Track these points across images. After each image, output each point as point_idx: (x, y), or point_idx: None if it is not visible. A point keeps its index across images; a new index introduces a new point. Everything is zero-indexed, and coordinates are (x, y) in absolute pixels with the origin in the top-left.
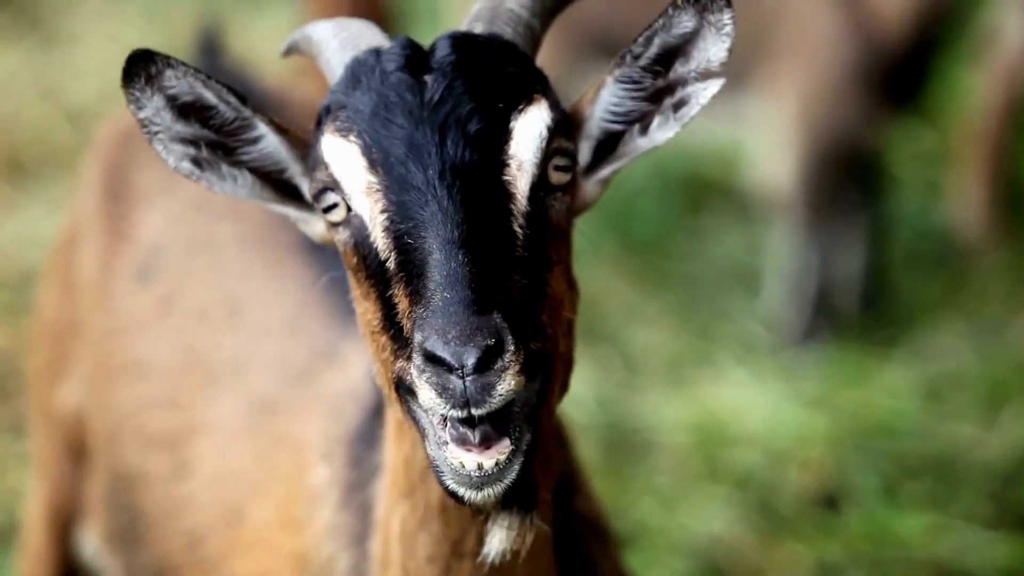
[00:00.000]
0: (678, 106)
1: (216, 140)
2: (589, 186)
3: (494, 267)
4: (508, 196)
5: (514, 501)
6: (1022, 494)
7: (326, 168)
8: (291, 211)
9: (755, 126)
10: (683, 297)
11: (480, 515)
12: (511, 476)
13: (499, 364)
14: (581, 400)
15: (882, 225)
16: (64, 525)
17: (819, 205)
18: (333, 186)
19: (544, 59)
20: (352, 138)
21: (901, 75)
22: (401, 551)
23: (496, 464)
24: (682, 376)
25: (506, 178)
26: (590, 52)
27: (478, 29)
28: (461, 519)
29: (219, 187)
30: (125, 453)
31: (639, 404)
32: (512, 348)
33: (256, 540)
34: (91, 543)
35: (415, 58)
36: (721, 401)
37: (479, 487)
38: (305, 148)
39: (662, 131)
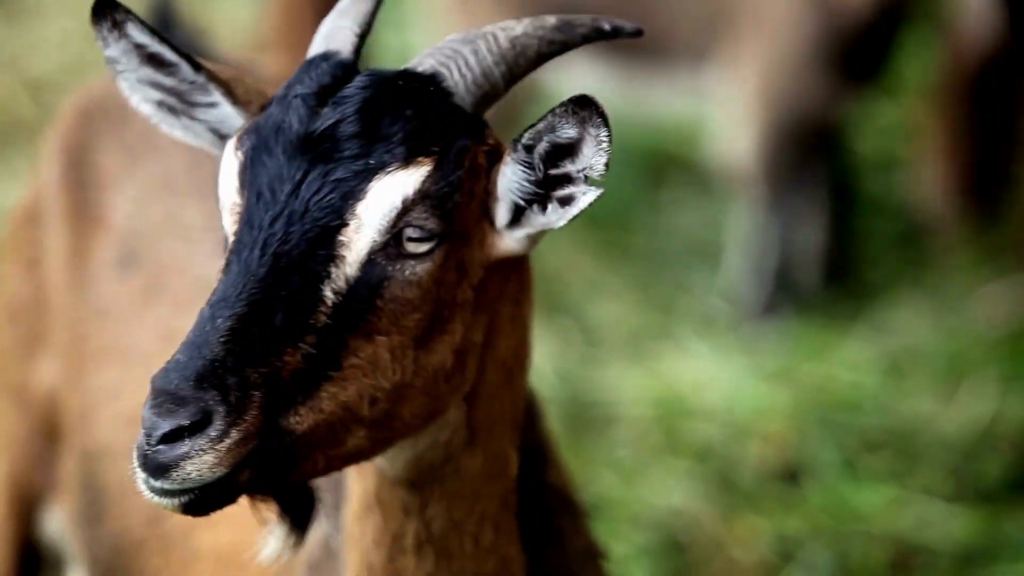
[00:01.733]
0: (564, 201)
1: (178, 89)
2: (508, 240)
3: (261, 341)
4: (334, 258)
5: (289, 514)
6: (981, 468)
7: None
8: None
9: (716, 100)
10: (644, 271)
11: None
12: (186, 497)
13: (185, 449)
14: (542, 373)
15: (844, 200)
16: (27, 503)
17: (780, 180)
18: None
19: None
20: (239, 153)
21: (863, 49)
22: (356, 530)
23: (169, 486)
24: (643, 350)
25: (341, 238)
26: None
27: (426, 64)
28: (396, 514)
29: (179, 133)
30: (96, 431)
31: (600, 377)
32: (214, 435)
33: (221, 513)
34: (57, 523)
35: (333, 87)
36: (682, 375)
37: (156, 495)
38: None
39: (555, 217)
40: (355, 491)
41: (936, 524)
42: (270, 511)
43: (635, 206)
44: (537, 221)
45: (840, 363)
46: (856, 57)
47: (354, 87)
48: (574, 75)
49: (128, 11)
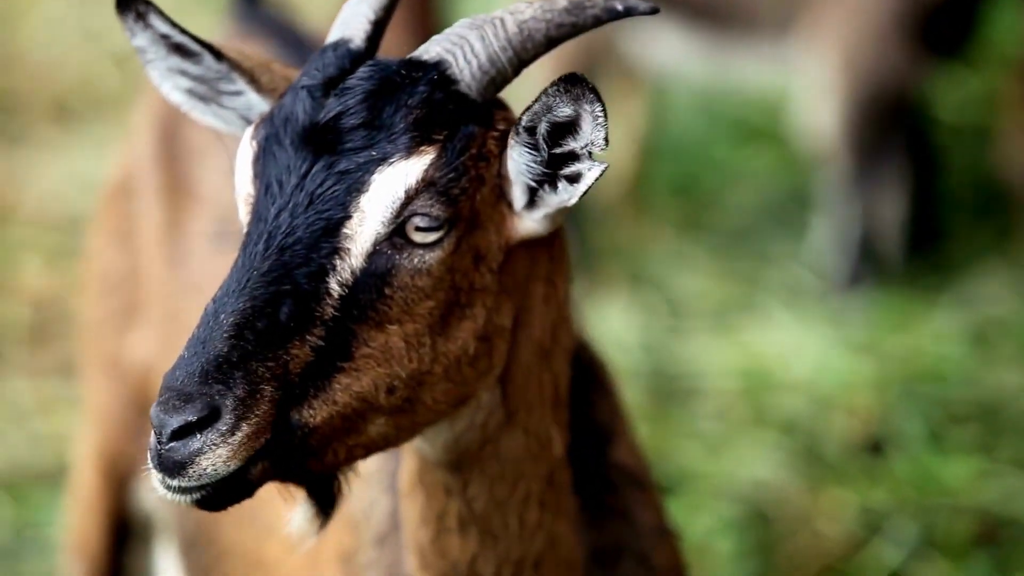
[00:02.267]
0: (571, 179)
1: (206, 78)
2: (528, 222)
3: (266, 335)
4: (339, 251)
5: (315, 499)
6: None
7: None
8: None
9: (800, 71)
10: (729, 242)
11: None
12: (200, 493)
13: (197, 444)
14: (627, 345)
15: (928, 170)
16: (119, 474)
17: (863, 151)
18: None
19: None
20: (254, 142)
21: (946, 20)
22: (406, 508)
23: (185, 483)
24: (728, 321)
25: (345, 231)
26: None
27: (432, 50)
28: (438, 494)
29: (210, 120)
30: None
31: (685, 349)
32: (223, 428)
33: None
34: (148, 495)
35: (339, 77)
36: (767, 346)
37: (173, 492)
38: None
39: (567, 195)
40: (404, 470)
41: (1022, 496)
42: (298, 491)
43: (720, 177)
44: (551, 200)
45: (926, 334)
46: (940, 28)
47: (357, 78)
48: (658, 44)
49: (148, 2)
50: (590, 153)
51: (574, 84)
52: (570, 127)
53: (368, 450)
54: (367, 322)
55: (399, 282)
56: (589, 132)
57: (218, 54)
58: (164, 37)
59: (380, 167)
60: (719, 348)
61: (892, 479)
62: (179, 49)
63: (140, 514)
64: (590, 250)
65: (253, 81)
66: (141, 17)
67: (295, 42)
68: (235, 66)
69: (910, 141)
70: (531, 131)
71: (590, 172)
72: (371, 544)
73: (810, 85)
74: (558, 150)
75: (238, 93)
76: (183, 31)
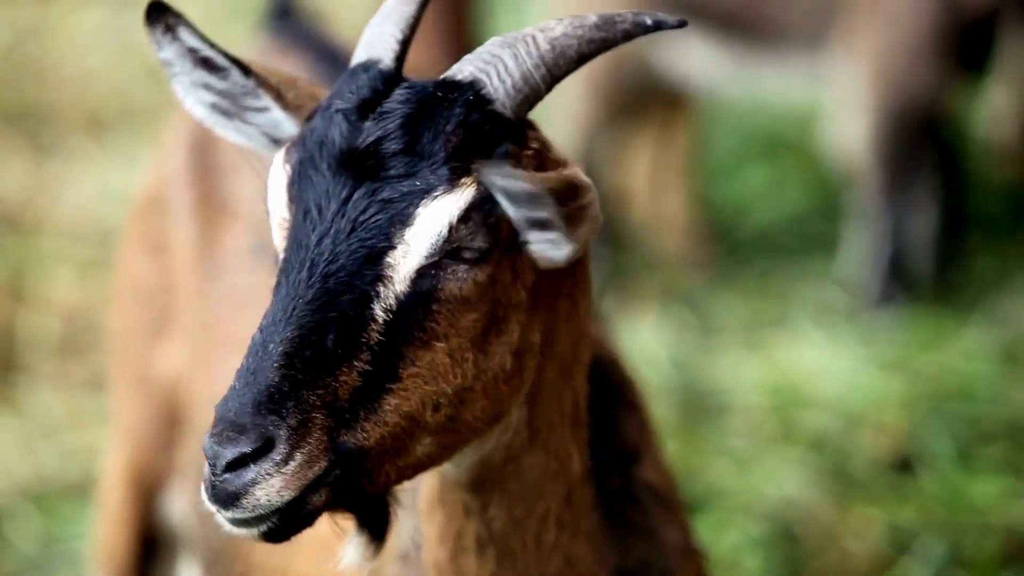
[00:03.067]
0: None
1: (231, 93)
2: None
3: (315, 363)
4: (382, 278)
5: (367, 525)
6: None
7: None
8: None
9: (831, 86)
10: (760, 259)
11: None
12: (265, 525)
13: (251, 475)
14: (657, 361)
15: (958, 187)
16: (148, 487)
17: (895, 167)
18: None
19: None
20: (287, 167)
21: (980, 38)
22: (425, 527)
23: (239, 515)
24: (758, 338)
25: (389, 260)
26: (664, 10)
27: (466, 70)
28: (457, 514)
29: (232, 136)
30: None
31: (715, 366)
32: (278, 459)
33: None
34: (179, 507)
35: (373, 99)
36: (797, 363)
37: (234, 525)
38: None
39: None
40: (423, 489)
41: None
42: (348, 521)
43: (751, 192)
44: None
45: (955, 352)
46: (973, 45)
47: (395, 101)
48: (690, 57)
49: (179, 15)
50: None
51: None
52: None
53: (415, 470)
54: (414, 342)
55: (445, 295)
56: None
57: (246, 69)
58: (191, 51)
59: (424, 200)
60: (749, 365)
61: (920, 497)
62: (206, 63)
63: (167, 528)
64: (621, 266)
65: (280, 98)
66: (170, 29)
67: (329, 55)
68: (262, 82)
69: (940, 157)
70: None
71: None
72: (394, 561)
73: (841, 100)
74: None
75: (263, 109)
76: (212, 45)
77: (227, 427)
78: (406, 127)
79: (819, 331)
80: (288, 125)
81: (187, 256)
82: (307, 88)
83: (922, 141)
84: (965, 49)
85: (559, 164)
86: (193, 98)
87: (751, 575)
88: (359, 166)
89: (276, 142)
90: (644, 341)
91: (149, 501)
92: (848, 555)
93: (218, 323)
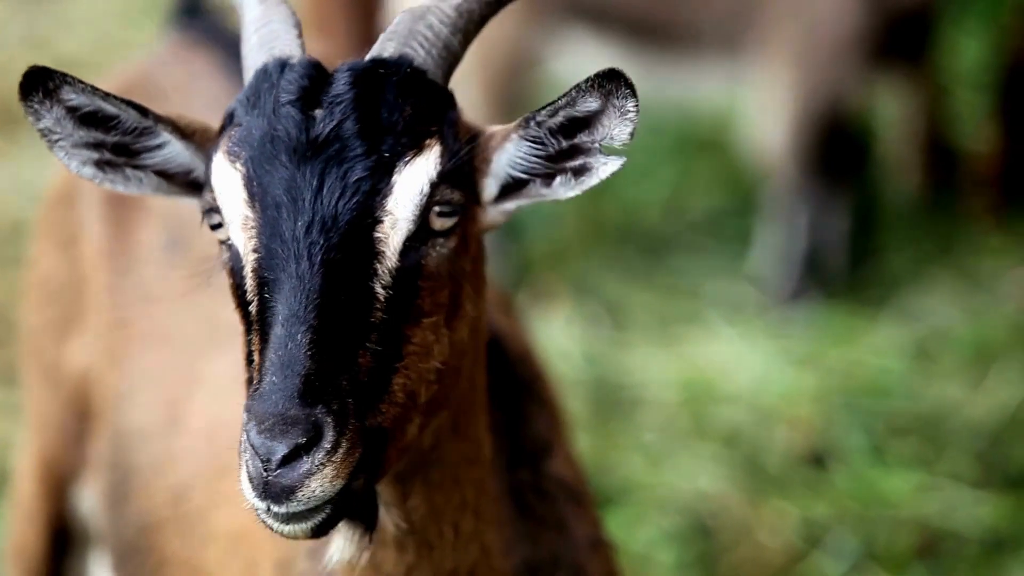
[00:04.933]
0: (578, 172)
1: (119, 143)
2: (493, 213)
3: (338, 348)
4: (376, 255)
5: (355, 517)
6: (1009, 454)
7: (212, 191)
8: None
9: (747, 86)
10: (671, 255)
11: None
12: (319, 517)
13: (307, 466)
14: (570, 356)
15: (871, 184)
16: (59, 481)
17: (810, 165)
18: (217, 210)
19: (516, 20)
20: (238, 166)
21: (904, 39)
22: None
23: (294, 508)
24: (671, 333)
25: (378, 235)
26: (567, 13)
27: (390, 48)
28: None
29: (123, 188)
30: (133, 413)
31: (627, 361)
32: (328, 447)
33: (238, 492)
34: (89, 501)
35: (312, 89)
36: (709, 359)
37: (284, 522)
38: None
39: (564, 189)
40: None
41: (963, 510)
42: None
43: (663, 190)
44: (538, 192)
45: (868, 348)
46: (908, 38)
47: (340, 86)
48: (591, 61)
49: (64, 75)
50: (601, 148)
51: (610, 79)
52: (586, 122)
53: (402, 454)
54: (409, 319)
55: (428, 271)
56: (611, 126)
57: (142, 109)
58: (72, 111)
59: (397, 167)
60: (662, 360)
61: (833, 492)
62: (89, 118)
63: (79, 522)
64: (533, 261)
65: (176, 129)
66: (49, 95)
67: (239, 51)
68: (158, 118)
69: (854, 154)
70: (541, 124)
71: (604, 166)
72: (305, 556)
73: (757, 100)
74: (568, 143)
75: (160, 146)
76: (104, 95)
77: (277, 421)
78: (360, 108)
79: (731, 327)
80: (185, 155)
81: (98, 251)
82: (189, 117)
83: (838, 140)
84: (899, 42)
85: (471, 129)
86: (77, 161)
87: (665, 569)
88: (323, 153)
89: (169, 178)
90: (557, 336)
91: (60, 495)
92: (761, 549)
93: (129, 318)
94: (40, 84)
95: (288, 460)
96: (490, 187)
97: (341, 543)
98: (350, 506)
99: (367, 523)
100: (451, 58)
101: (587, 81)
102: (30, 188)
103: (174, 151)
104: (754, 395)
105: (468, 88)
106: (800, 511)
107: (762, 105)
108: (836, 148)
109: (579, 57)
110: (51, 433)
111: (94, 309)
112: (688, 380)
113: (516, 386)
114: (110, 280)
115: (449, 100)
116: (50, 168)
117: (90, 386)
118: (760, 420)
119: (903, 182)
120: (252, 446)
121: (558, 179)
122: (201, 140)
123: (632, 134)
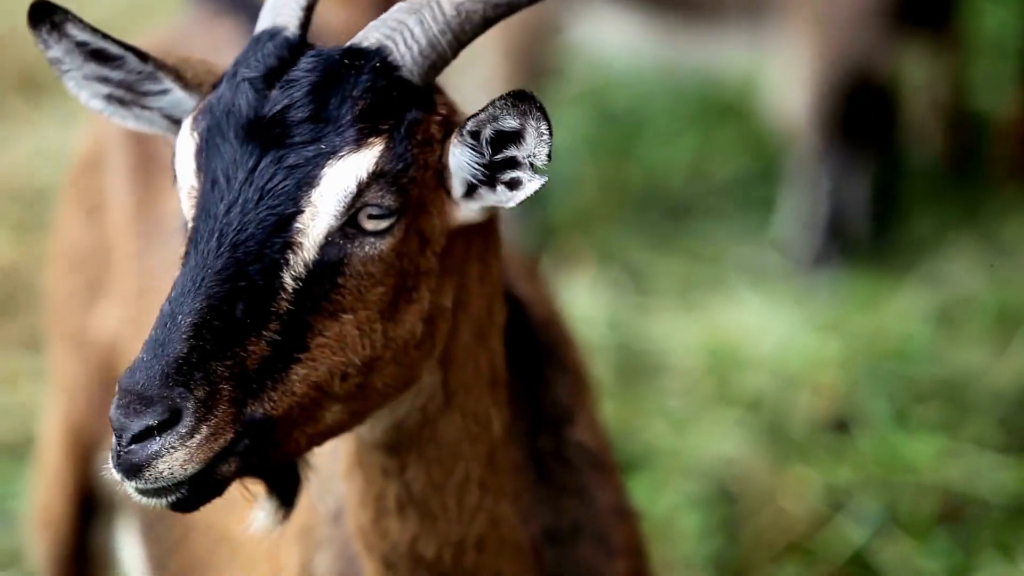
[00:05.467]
0: (511, 185)
1: (124, 81)
2: (466, 210)
3: (224, 334)
4: (291, 245)
5: (277, 491)
6: None
7: (173, 156)
8: None
9: (770, 52)
10: (696, 221)
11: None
12: (174, 496)
13: (155, 447)
14: (593, 321)
15: (896, 150)
16: (84, 448)
17: (833, 130)
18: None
19: None
20: (195, 135)
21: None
22: (346, 490)
23: (142, 485)
24: (695, 300)
25: (297, 225)
26: None
27: (372, 38)
28: (376, 477)
29: (134, 124)
30: None
31: (651, 327)
32: (183, 431)
33: None
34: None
35: (279, 68)
36: (733, 325)
37: (140, 495)
38: None
39: (504, 198)
40: (343, 452)
41: (986, 475)
42: (257, 487)
43: (687, 155)
44: (488, 199)
45: (891, 313)
46: (919, 13)
47: (301, 70)
48: (613, 29)
49: (66, 12)
50: (531, 164)
51: (522, 100)
52: (515, 136)
53: (324, 437)
54: (321, 312)
55: (352, 270)
56: (532, 145)
57: (142, 55)
58: (81, 45)
59: (330, 161)
60: (685, 325)
61: (856, 457)
62: (97, 55)
63: (105, 489)
64: (557, 226)
65: (179, 77)
66: (56, 27)
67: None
68: (160, 64)
69: (878, 119)
70: (475, 134)
71: (530, 183)
72: (327, 521)
73: (780, 65)
74: (499, 156)
75: (163, 92)
76: (104, 36)
77: (134, 399)
78: (312, 95)
79: (755, 292)
80: (189, 103)
81: (124, 218)
82: (202, 65)
83: (861, 104)
84: (923, 8)
85: (453, 125)
86: (87, 92)
87: (688, 534)
88: (266, 134)
89: (178, 123)
90: (580, 301)
91: (86, 462)
92: (785, 514)
93: (155, 286)
94: (46, 16)
95: (139, 438)
96: (455, 185)
97: (261, 515)
98: (218, 487)
99: (284, 498)
100: (435, 57)
101: (502, 99)
102: (54, 155)
103: (178, 98)
104: (778, 360)
105: (490, 56)
106: (823, 477)
107: (784, 70)
108: (858, 113)
109: (601, 24)
110: (77, 400)
111: (120, 277)
112: (712, 345)
113: (538, 352)
114: (137, 247)
115: (418, 99)
116: (74, 134)
117: (116, 354)
118: (784, 386)
119: (928, 147)
120: (110, 418)
121: (499, 188)
122: (207, 91)
123: (549, 155)
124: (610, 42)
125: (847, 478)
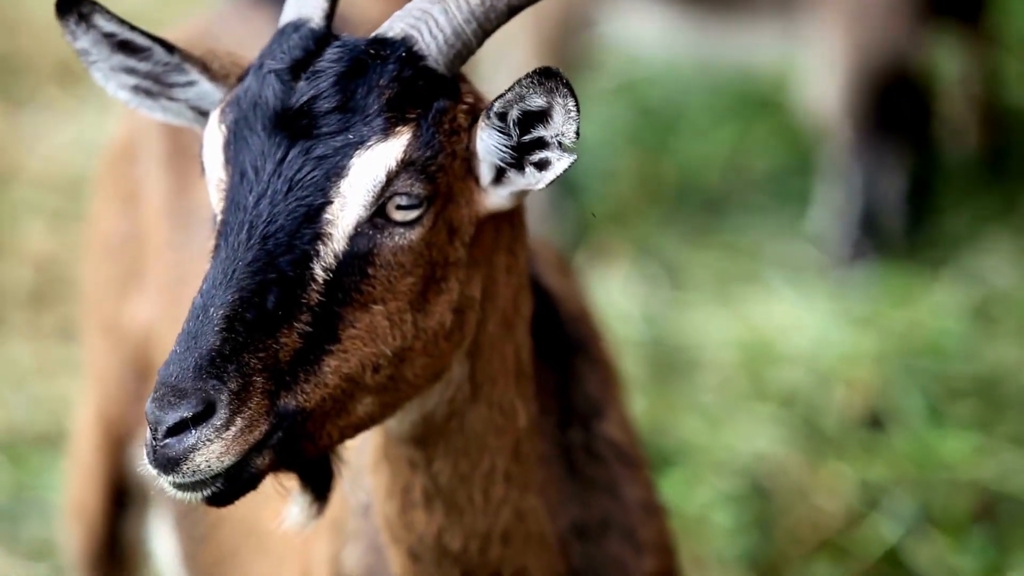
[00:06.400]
0: (540, 166)
1: (151, 73)
2: (495, 197)
3: (257, 326)
4: (321, 236)
5: (310, 485)
6: None
7: (201, 148)
8: None
9: (803, 44)
10: (731, 215)
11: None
12: (210, 489)
13: (191, 440)
14: (628, 316)
15: (931, 143)
16: (118, 439)
17: (867, 124)
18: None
19: None
20: (223, 127)
21: None
22: (373, 482)
23: (179, 480)
24: (729, 294)
25: (327, 216)
26: None
27: (396, 28)
28: (403, 469)
29: (161, 116)
30: None
31: (686, 321)
32: (219, 424)
33: None
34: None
35: (305, 59)
36: (768, 320)
37: (177, 489)
38: None
39: (533, 180)
40: (370, 445)
41: (1021, 472)
42: (291, 482)
43: (722, 149)
44: (518, 182)
45: (926, 309)
46: (951, 7)
47: (327, 60)
48: (645, 22)
49: (94, 3)
50: (560, 143)
51: (548, 77)
52: (542, 116)
53: (356, 429)
54: (352, 304)
55: (382, 261)
56: (560, 124)
57: (169, 46)
58: (108, 36)
59: (358, 151)
60: (720, 320)
61: (891, 454)
62: (124, 46)
63: (137, 480)
64: (592, 220)
65: (206, 69)
66: (84, 19)
67: None
68: (186, 56)
69: (913, 113)
70: (502, 116)
71: (559, 162)
72: (356, 514)
73: (814, 58)
74: (528, 137)
75: (190, 84)
76: (131, 27)
77: (168, 392)
78: (339, 85)
79: (790, 287)
80: (216, 95)
81: (159, 208)
82: (228, 57)
83: (895, 98)
84: (954, 2)
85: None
86: (115, 83)
87: (721, 531)
88: (293, 126)
89: (205, 114)
90: (615, 296)
91: (120, 453)
92: (819, 511)
93: (189, 276)
94: (74, 7)
95: (175, 432)
96: (484, 171)
97: (295, 510)
98: (253, 480)
99: (318, 493)
100: (460, 46)
101: (528, 78)
102: (90, 144)
103: (204, 90)
104: (812, 356)
105: (521, 51)
106: (857, 473)
107: (816, 64)
108: (891, 107)
109: (634, 18)
110: (111, 391)
111: (155, 266)
112: (746, 341)
113: (568, 347)
114: (171, 237)
115: (444, 88)
116: (110, 124)
117: (150, 344)
118: (818, 381)
119: (963, 142)
120: (146, 412)
121: (528, 170)
122: (233, 83)
123: (578, 133)
124: (646, 37)
125: (881, 475)
